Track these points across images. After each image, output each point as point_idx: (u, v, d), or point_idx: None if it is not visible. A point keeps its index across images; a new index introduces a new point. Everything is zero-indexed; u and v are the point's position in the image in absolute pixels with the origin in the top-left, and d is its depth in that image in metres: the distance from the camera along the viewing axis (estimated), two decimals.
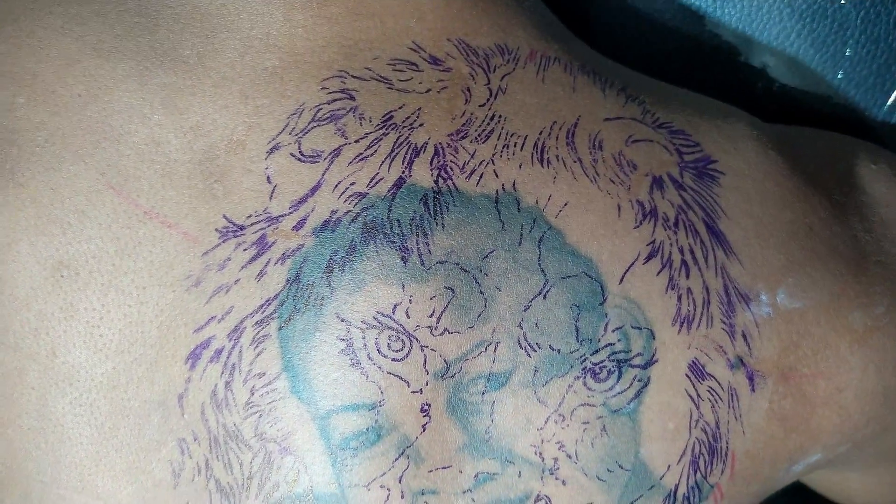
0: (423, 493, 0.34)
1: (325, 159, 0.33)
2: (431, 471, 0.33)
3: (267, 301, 0.32)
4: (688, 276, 0.33)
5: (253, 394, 0.33)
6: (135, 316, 0.33)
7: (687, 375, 0.34)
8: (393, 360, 0.32)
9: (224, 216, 0.33)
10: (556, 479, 0.34)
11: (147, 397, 0.34)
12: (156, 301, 0.33)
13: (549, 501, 0.34)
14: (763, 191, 0.36)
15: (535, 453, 0.33)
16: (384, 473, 0.33)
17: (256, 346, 0.33)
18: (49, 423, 0.34)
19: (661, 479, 0.35)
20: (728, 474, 0.36)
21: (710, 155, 0.36)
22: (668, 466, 0.35)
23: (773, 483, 0.38)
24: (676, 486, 0.35)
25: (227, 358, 0.33)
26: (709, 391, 0.34)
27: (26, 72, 0.34)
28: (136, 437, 0.34)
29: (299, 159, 0.33)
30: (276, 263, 0.32)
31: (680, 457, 0.35)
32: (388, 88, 0.34)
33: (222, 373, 0.33)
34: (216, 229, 0.33)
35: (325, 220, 0.32)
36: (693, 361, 0.34)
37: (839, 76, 0.46)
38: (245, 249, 0.33)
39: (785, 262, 0.35)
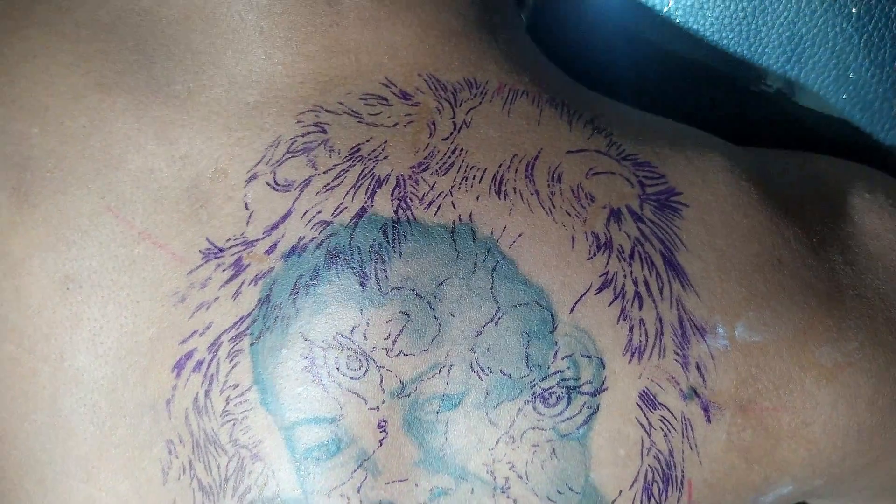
0: (380, 503, 0.36)
1: (296, 188, 0.35)
2: (389, 483, 0.35)
3: (241, 318, 0.35)
4: (641, 308, 0.34)
5: (228, 403, 0.36)
6: (130, 327, 0.37)
7: (638, 404, 0.34)
8: (351, 378, 0.34)
9: (207, 239, 0.36)
10: (508, 497, 0.35)
11: (140, 400, 0.37)
12: (148, 314, 0.36)
13: None
14: (730, 223, 0.36)
15: (487, 472, 0.35)
16: (344, 483, 0.35)
17: (231, 360, 0.36)
18: (59, 420, 0.38)
19: (612, 503, 0.35)
20: (685, 502, 0.36)
21: (674, 187, 0.36)
22: (620, 492, 0.35)
23: None
24: None
25: (207, 369, 0.36)
26: (661, 420, 0.34)
27: (40, 105, 0.38)
28: (132, 436, 0.38)
29: (274, 188, 0.35)
30: (249, 284, 0.35)
31: (632, 483, 0.35)
32: (359, 122, 0.36)
33: (202, 382, 0.36)
34: (199, 251, 0.36)
35: (293, 246, 0.34)
36: (644, 391, 0.34)
37: (843, 97, 0.45)
38: (224, 270, 0.35)
39: (746, 296, 0.35)
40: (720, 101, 0.46)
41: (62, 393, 0.38)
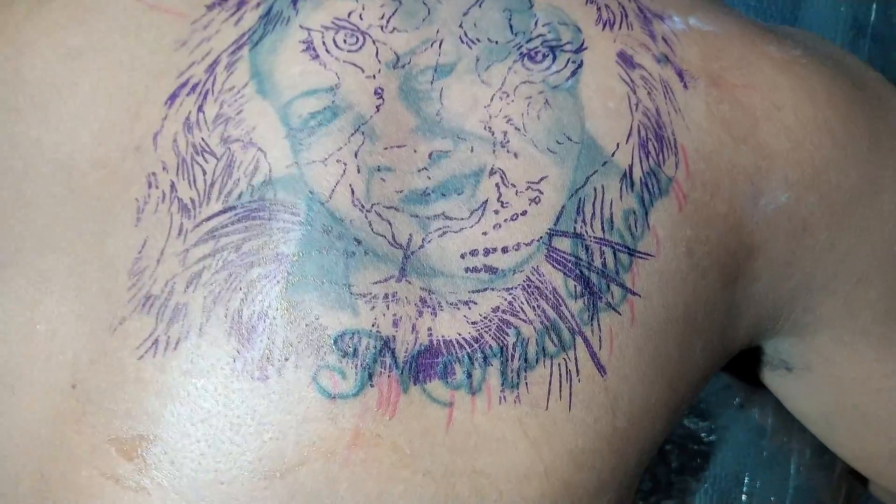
0: (378, 170, 0.34)
1: None
2: (387, 148, 0.34)
3: (241, 35, 0.37)
4: None
5: (222, 106, 0.36)
6: (125, 80, 0.38)
7: (617, 62, 0.36)
8: (348, 51, 0.36)
9: None
10: (508, 151, 0.34)
11: (124, 145, 0.36)
12: (145, 65, 0.38)
13: (504, 174, 0.34)
14: None
15: (485, 128, 0.35)
16: (340, 148, 0.34)
17: (229, 69, 0.37)
18: (22, 198, 0.37)
19: (612, 155, 0.35)
20: (684, 170, 0.36)
21: None
22: (618, 144, 0.35)
23: (744, 213, 0.37)
24: (631, 168, 0.35)
25: (202, 87, 0.37)
26: (642, 79, 0.36)
27: None
28: (107, 187, 0.36)
29: None
30: (252, 9, 0.38)
31: (627, 136, 0.35)
32: None
33: (196, 100, 0.36)
34: (205, 6, 0.39)
35: None
36: (621, 51, 0.37)
37: None
38: (227, 10, 0.38)
39: (689, 3, 0.39)
40: None
41: (38, 162, 0.37)
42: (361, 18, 0.37)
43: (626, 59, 0.37)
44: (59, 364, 0.35)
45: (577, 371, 0.34)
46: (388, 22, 0.37)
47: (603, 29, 0.37)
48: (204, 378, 0.33)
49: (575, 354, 0.34)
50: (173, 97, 0.37)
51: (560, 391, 0.34)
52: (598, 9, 0.38)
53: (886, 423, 0.45)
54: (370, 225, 0.34)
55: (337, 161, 0.34)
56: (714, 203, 0.37)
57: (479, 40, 0.37)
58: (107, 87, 0.38)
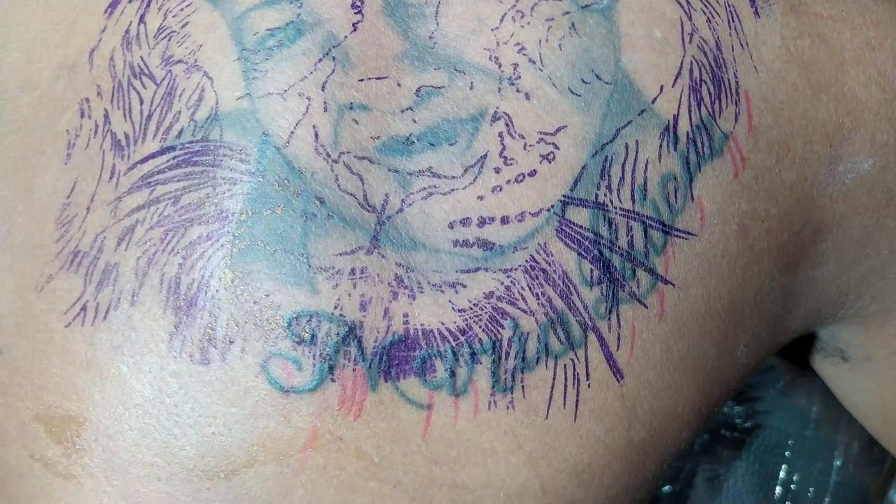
0: (351, 108, 0.27)
1: None
2: (363, 80, 0.27)
3: None
4: None
5: (166, 17, 0.29)
6: None
7: None
8: None
9: None
10: (518, 91, 0.27)
11: (58, 63, 0.30)
12: None
13: (510, 120, 0.27)
14: None
15: (491, 58, 0.27)
16: (304, 78, 0.27)
17: None
18: None
19: (652, 102, 0.27)
20: (745, 125, 0.28)
21: None
22: (661, 87, 0.27)
23: (816, 182, 0.29)
24: (676, 119, 0.27)
25: None
26: (701, 0, 0.28)
27: None
28: (37, 113, 0.30)
29: None
30: None
31: (675, 77, 0.27)
32: None
33: (138, 9, 0.29)
34: None
35: None
36: None
37: None
38: None
39: None
40: None
41: None
42: None
43: None
44: None
45: (588, 375, 0.27)
46: None
47: None
48: (137, 357, 0.27)
49: (586, 354, 0.27)
50: (114, 4, 0.30)
51: (564, 398, 0.27)
52: None
53: None
54: (337, 180, 0.27)
55: (299, 94, 0.27)
56: (780, 169, 0.29)
57: None
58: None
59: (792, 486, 0.47)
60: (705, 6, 0.28)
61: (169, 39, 0.29)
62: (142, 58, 0.29)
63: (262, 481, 0.27)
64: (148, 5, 0.29)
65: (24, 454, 0.29)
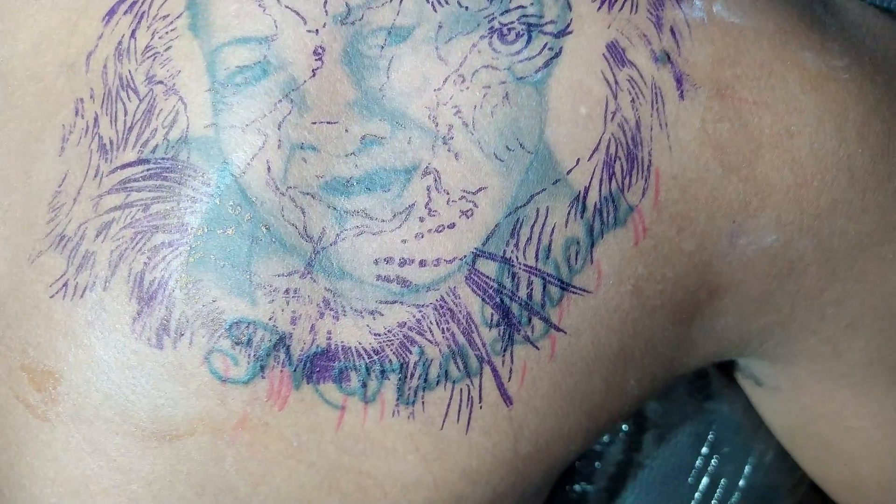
0: (302, 147, 0.31)
1: None
2: (315, 123, 0.31)
3: None
4: None
5: (153, 37, 0.32)
6: None
7: (605, 56, 0.31)
8: None
9: None
10: (449, 150, 0.30)
11: (61, 60, 0.34)
12: None
13: (439, 177, 0.30)
14: None
15: (430, 117, 0.30)
16: (264, 116, 0.31)
17: None
18: None
19: (567, 173, 0.30)
20: (651, 199, 0.31)
21: None
22: (577, 160, 0.30)
23: (716, 252, 0.32)
24: (586, 190, 0.31)
25: (140, 7, 0.33)
26: (629, 81, 0.31)
27: None
28: (39, 103, 0.34)
29: None
30: None
31: (592, 151, 0.30)
32: None
33: (131, 22, 0.33)
34: None
35: None
36: (612, 42, 0.31)
37: None
38: None
39: None
40: None
41: None
42: None
43: (615, 53, 0.31)
44: None
45: (480, 398, 0.32)
46: None
47: (599, 8, 0.31)
48: (105, 333, 0.32)
49: (480, 382, 0.31)
50: (111, 13, 0.33)
51: (458, 414, 0.32)
52: None
53: (851, 457, 0.42)
54: (282, 210, 0.31)
55: (258, 130, 0.30)
56: (680, 239, 0.32)
57: (447, 2, 0.31)
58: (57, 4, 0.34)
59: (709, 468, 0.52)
60: (632, 87, 0.31)
61: (153, 59, 0.32)
62: (130, 71, 0.32)
63: (199, 448, 0.32)
64: (139, 22, 0.33)
65: (11, 395, 0.34)
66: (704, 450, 0.53)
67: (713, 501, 0.53)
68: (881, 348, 0.38)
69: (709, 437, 0.53)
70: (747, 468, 0.51)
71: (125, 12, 0.33)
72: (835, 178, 0.33)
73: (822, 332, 0.37)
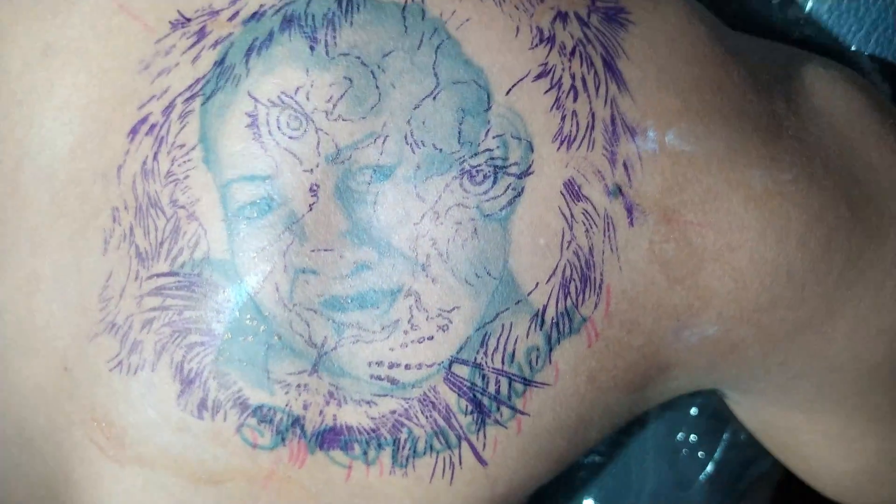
0: (304, 272, 0.36)
1: None
2: (314, 251, 0.36)
3: (196, 80, 0.37)
4: (575, 100, 0.35)
5: (173, 163, 0.37)
6: (96, 95, 0.38)
7: (562, 193, 0.35)
8: (290, 137, 0.35)
9: (178, 10, 0.38)
10: (427, 276, 0.36)
11: (95, 167, 0.39)
12: (113, 82, 0.38)
13: (419, 298, 0.36)
14: (675, 46, 0.37)
15: (410, 248, 0.36)
16: (271, 245, 0.36)
17: (182, 120, 0.37)
18: (17, 191, 0.40)
19: (528, 294, 0.36)
20: (602, 311, 0.36)
21: (624, 7, 0.37)
22: (537, 284, 0.36)
23: (662, 343, 0.38)
24: (545, 308, 0.36)
25: (159, 131, 0.37)
26: (584, 214, 0.35)
27: None
28: (81, 205, 0.39)
29: None
30: (209, 48, 0.37)
31: (549, 276, 0.36)
32: None
33: (153, 145, 0.37)
34: (169, 21, 0.38)
35: (254, 13, 0.36)
36: (569, 180, 0.35)
37: None
38: (188, 38, 0.37)
39: (681, 107, 0.35)
40: None
41: (25, 162, 0.40)
42: (308, 98, 0.35)
43: (572, 190, 0.35)
44: (54, 349, 0.42)
45: (461, 463, 0.39)
46: (334, 107, 0.35)
47: (559, 148, 0.34)
48: (157, 403, 0.40)
49: (459, 452, 0.38)
50: (134, 132, 0.38)
51: (443, 473, 0.39)
52: (563, 118, 0.34)
53: (806, 457, 0.49)
54: (290, 323, 0.37)
55: (266, 258, 0.36)
56: (630, 338, 0.37)
57: (423, 144, 0.35)
58: (80, 97, 0.39)
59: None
60: (586, 218, 0.35)
61: (175, 185, 0.37)
62: (156, 192, 0.37)
63: (238, 490, 0.40)
64: (160, 146, 0.37)
65: (86, 438, 0.42)
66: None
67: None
68: (830, 386, 0.43)
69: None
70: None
71: (146, 133, 0.38)
72: (774, 280, 0.37)
73: (770, 380, 0.42)
